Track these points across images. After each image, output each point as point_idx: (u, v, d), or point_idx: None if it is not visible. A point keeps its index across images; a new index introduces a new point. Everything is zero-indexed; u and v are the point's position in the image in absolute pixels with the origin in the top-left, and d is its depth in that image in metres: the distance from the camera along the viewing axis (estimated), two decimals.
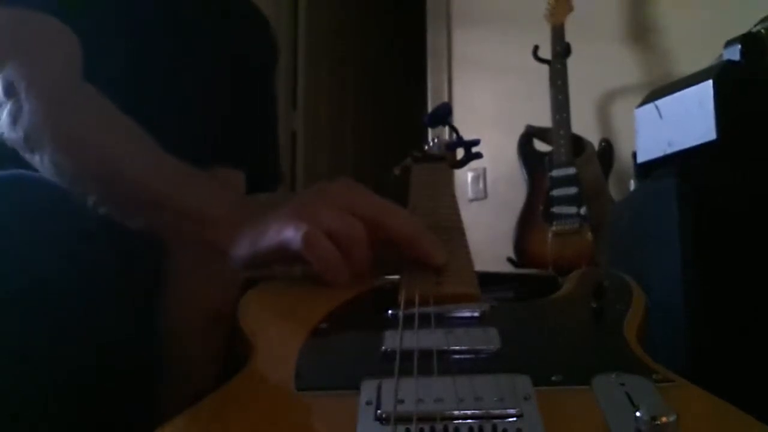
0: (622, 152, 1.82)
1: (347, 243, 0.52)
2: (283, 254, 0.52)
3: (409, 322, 0.47)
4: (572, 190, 1.76)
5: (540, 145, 1.91)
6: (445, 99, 2.43)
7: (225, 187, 0.59)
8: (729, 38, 1.01)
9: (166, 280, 0.62)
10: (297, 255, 0.51)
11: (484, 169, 2.30)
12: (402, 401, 0.36)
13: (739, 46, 0.98)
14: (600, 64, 1.95)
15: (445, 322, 0.48)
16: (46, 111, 0.52)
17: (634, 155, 1.06)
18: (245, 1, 0.85)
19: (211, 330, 0.57)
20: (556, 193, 1.78)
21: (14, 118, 0.52)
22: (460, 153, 0.96)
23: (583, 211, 1.72)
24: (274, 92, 0.88)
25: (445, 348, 0.43)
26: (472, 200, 2.33)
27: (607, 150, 1.83)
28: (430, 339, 0.45)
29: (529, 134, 1.94)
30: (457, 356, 0.43)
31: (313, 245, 0.50)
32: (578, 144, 1.81)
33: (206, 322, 0.59)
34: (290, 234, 0.51)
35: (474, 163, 0.95)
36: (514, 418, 0.35)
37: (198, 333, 0.60)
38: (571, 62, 1.84)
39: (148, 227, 0.55)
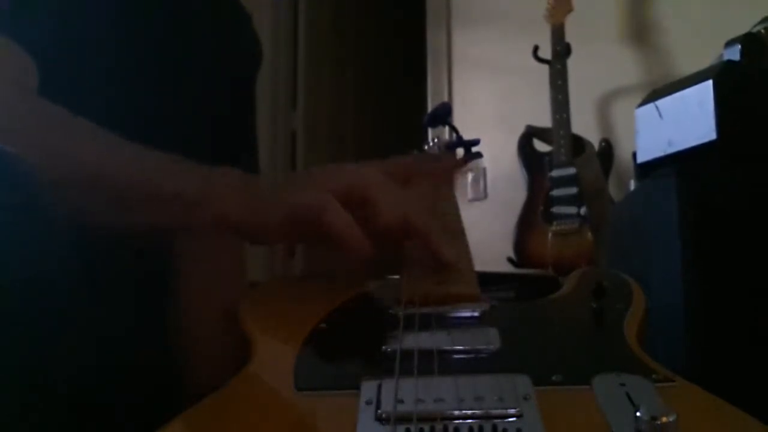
0: (622, 152, 1.82)
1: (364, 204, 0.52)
2: (300, 222, 0.51)
3: (409, 322, 0.47)
4: (572, 190, 1.76)
5: (540, 145, 1.91)
6: (445, 99, 2.43)
7: (219, 169, 0.58)
8: (729, 38, 1.01)
9: (177, 278, 0.62)
10: (313, 222, 0.51)
11: (484, 169, 2.30)
12: (402, 401, 0.36)
13: (739, 46, 0.98)
14: (600, 64, 1.95)
15: (445, 322, 0.48)
16: (10, 128, 0.50)
17: (634, 155, 1.06)
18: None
19: (224, 325, 0.57)
20: (556, 193, 1.78)
21: None
22: (460, 153, 0.96)
23: (583, 211, 1.72)
24: (255, 90, 0.88)
25: (445, 348, 0.43)
26: (472, 200, 2.33)
27: (607, 150, 1.83)
28: (430, 339, 0.45)
29: (529, 134, 1.94)
30: (457, 356, 0.43)
31: (329, 210, 0.50)
32: (578, 144, 1.81)
33: (218, 318, 0.59)
34: (306, 199, 0.51)
35: (474, 163, 0.95)
36: (514, 418, 0.35)
37: (210, 332, 0.60)
38: (571, 62, 1.84)
39: (148, 227, 0.54)
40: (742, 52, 0.97)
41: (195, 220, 0.53)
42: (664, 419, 0.32)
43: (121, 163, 0.52)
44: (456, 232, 0.66)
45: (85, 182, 0.50)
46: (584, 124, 1.89)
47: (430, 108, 2.51)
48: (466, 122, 2.13)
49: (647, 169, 1.01)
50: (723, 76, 0.91)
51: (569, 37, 1.86)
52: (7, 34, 0.57)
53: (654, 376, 0.39)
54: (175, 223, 0.54)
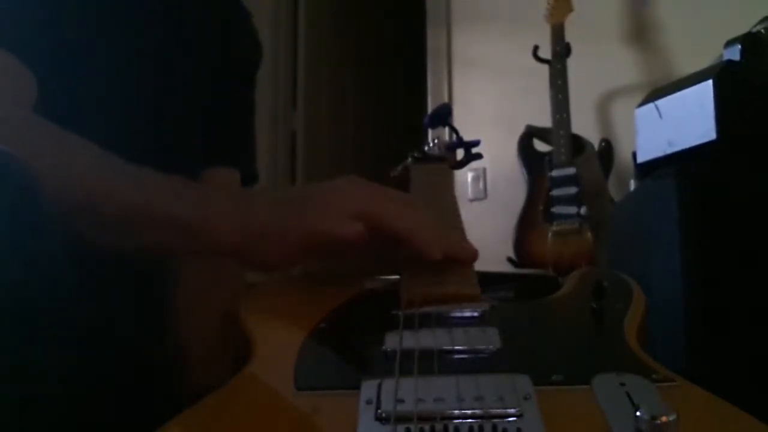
0: (622, 152, 1.82)
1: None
2: (317, 246, 0.52)
3: (409, 322, 0.47)
4: (572, 190, 1.76)
5: (540, 145, 1.91)
6: (445, 99, 2.43)
7: (218, 188, 0.58)
8: (729, 38, 1.01)
9: (176, 278, 0.61)
10: (331, 245, 0.51)
11: (484, 169, 2.30)
12: (402, 401, 0.36)
13: (739, 46, 0.98)
14: (600, 64, 1.95)
15: (445, 322, 0.48)
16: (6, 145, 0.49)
17: (634, 155, 1.06)
18: None
19: (220, 330, 0.57)
20: (556, 192, 1.78)
21: None
22: (460, 154, 0.96)
23: (583, 210, 1.72)
24: (254, 89, 0.87)
25: (446, 348, 0.43)
26: (472, 200, 2.33)
27: (607, 150, 1.83)
28: (431, 339, 0.45)
29: (529, 134, 1.94)
30: (457, 356, 0.43)
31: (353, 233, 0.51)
32: (578, 144, 1.81)
33: (216, 323, 0.59)
34: (325, 226, 0.51)
35: (474, 163, 0.95)
36: (514, 418, 0.35)
37: (208, 334, 0.60)
38: (571, 62, 1.84)
39: (143, 250, 0.53)
40: (742, 52, 0.97)
41: (191, 247, 0.53)
42: (664, 419, 0.32)
43: (116, 186, 0.51)
44: (456, 232, 0.66)
45: (79, 204, 0.49)
46: (584, 124, 1.89)
47: (430, 108, 2.51)
48: (466, 122, 2.13)
49: (647, 169, 1.01)
50: (723, 76, 0.91)
51: (569, 37, 1.86)
52: (5, 48, 0.57)
53: (654, 376, 0.39)
54: (170, 248, 0.54)
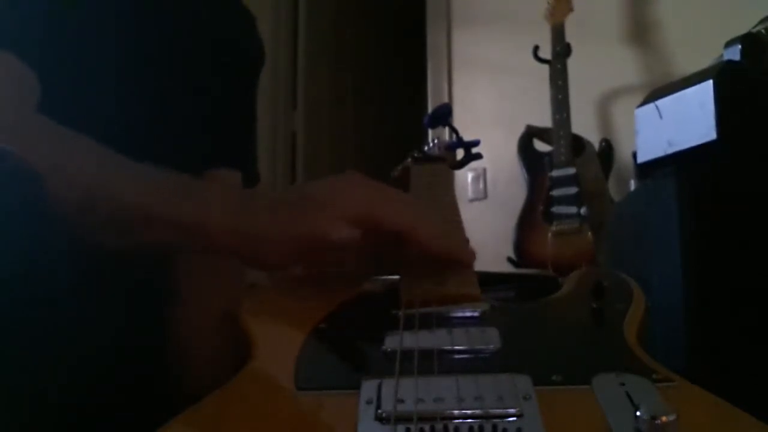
0: (622, 152, 1.82)
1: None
2: (313, 248, 0.52)
3: (409, 322, 0.47)
4: (572, 190, 1.76)
5: (540, 145, 1.91)
6: (445, 99, 2.43)
7: (218, 187, 0.58)
8: (729, 38, 1.01)
9: (175, 278, 0.61)
10: (326, 248, 0.51)
11: (484, 169, 2.30)
12: (402, 401, 0.36)
13: (739, 46, 0.98)
14: (600, 64, 1.95)
15: (445, 322, 0.48)
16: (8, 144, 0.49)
17: (634, 155, 1.06)
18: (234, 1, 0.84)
19: (220, 330, 0.57)
20: (556, 193, 1.78)
21: None
22: (460, 154, 0.96)
23: (583, 211, 1.72)
24: (256, 92, 0.87)
25: (446, 348, 0.43)
26: (472, 200, 2.33)
27: (607, 150, 1.83)
28: (431, 339, 0.45)
29: (529, 134, 1.94)
30: (457, 356, 0.43)
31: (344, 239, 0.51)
32: (578, 144, 1.81)
33: (216, 323, 0.58)
34: (321, 228, 0.51)
35: (474, 163, 0.95)
36: (514, 418, 0.35)
37: (208, 334, 0.60)
38: (571, 62, 1.84)
39: (143, 248, 0.53)
40: (742, 52, 0.97)
41: (190, 246, 0.53)
42: (664, 419, 0.32)
43: (117, 185, 0.51)
44: (457, 233, 0.66)
45: (80, 202, 0.49)
46: (584, 124, 1.89)
47: (430, 108, 2.51)
48: (466, 122, 2.13)
49: (647, 169, 1.01)
50: (723, 76, 0.91)
51: (569, 37, 1.86)
52: (6, 48, 0.57)
53: (654, 375, 0.39)
54: (169, 247, 0.54)
